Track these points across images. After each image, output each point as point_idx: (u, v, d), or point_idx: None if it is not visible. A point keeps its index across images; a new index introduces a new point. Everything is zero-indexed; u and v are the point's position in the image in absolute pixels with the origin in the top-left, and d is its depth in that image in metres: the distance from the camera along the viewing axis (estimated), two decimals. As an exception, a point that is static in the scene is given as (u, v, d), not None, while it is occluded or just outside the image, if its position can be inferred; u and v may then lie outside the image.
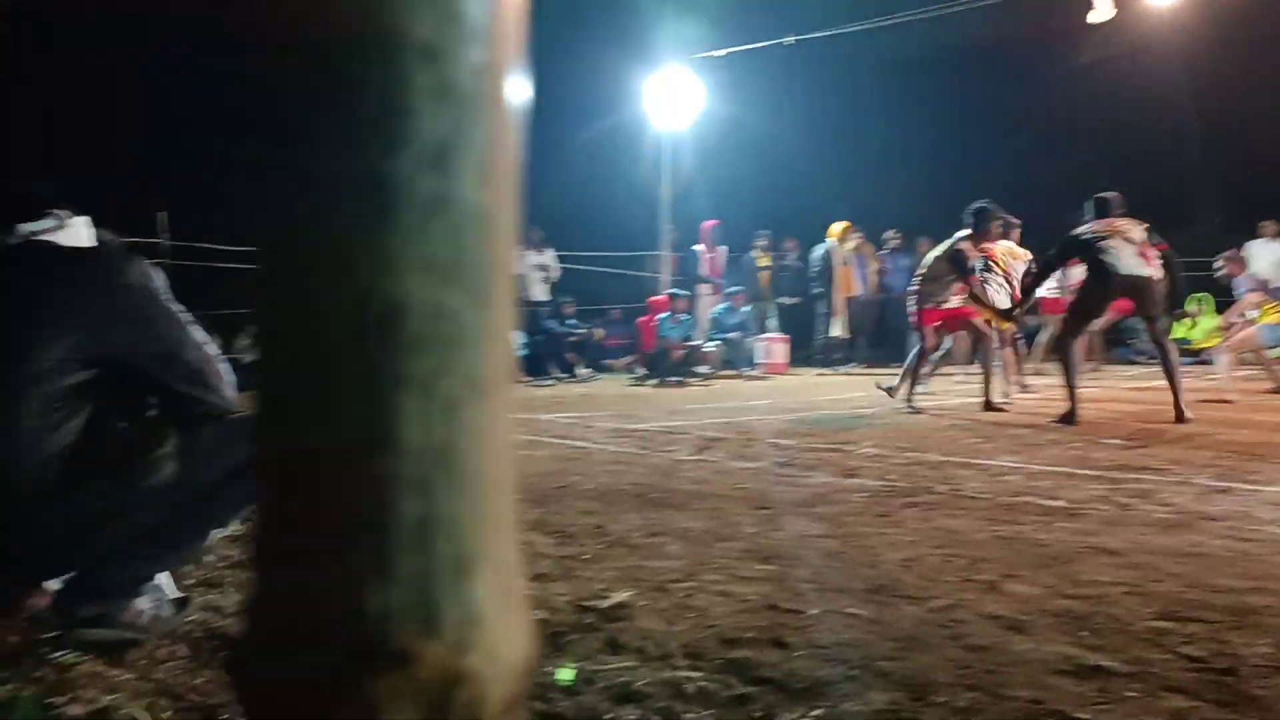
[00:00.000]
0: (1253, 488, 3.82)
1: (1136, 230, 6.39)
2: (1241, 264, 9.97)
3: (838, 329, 13.51)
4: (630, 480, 4.24)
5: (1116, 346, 13.59)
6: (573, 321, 13.13)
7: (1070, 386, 6.42)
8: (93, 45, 14.52)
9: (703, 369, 12.19)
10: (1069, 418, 6.28)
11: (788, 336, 13.98)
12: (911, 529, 3.18)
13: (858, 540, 3.03)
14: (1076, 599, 2.37)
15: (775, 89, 17.84)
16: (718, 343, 13.00)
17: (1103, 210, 6.57)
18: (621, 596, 2.44)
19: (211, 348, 2.24)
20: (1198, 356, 13.85)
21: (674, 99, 15.09)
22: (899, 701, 1.76)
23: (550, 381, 11.71)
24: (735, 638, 2.13)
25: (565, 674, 1.55)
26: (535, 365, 12.10)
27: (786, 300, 14.49)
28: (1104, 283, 6.35)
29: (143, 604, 2.13)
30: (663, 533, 3.17)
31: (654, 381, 11.53)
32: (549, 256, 13.29)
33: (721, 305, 13.46)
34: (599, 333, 14.02)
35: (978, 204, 7.49)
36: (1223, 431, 5.71)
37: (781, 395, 9.50)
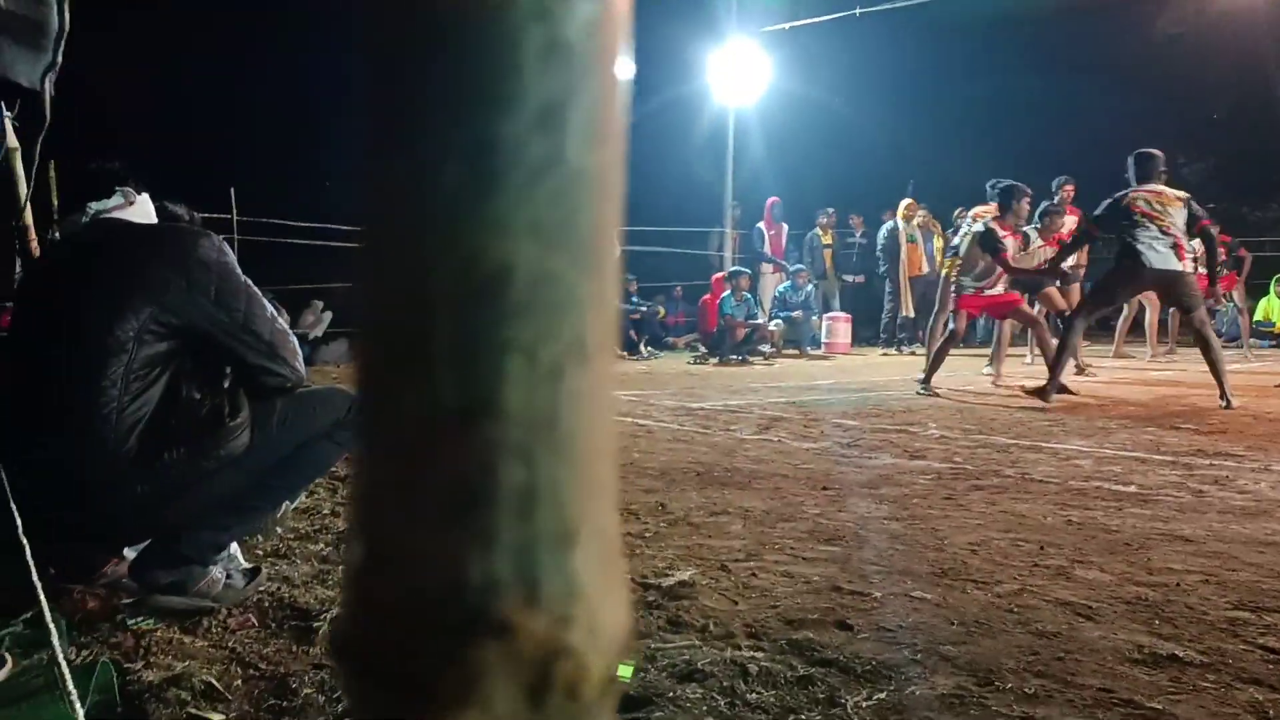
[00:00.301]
0: (1336, 476, 3.70)
1: (1177, 210, 6.14)
2: None
3: (905, 308, 13.35)
4: (692, 459, 4.24)
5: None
6: (635, 299, 13.13)
7: (1056, 364, 6.35)
8: (161, 21, 14.79)
9: (765, 348, 12.13)
10: (1043, 393, 6.25)
11: (850, 315, 13.85)
12: (978, 512, 3.14)
13: (923, 523, 3.00)
14: (1149, 587, 2.32)
15: (843, 63, 17.63)
16: (780, 321, 12.92)
17: (1145, 170, 6.30)
18: (684, 575, 2.44)
19: (281, 321, 2.27)
20: (1278, 340, 13.43)
21: (740, 73, 14.94)
22: (965, 686, 1.74)
23: (611, 359, 11.72)
24: (798, 618, 2.11)
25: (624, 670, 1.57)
26: (596, 343, 12.10)
27: (850, 278, 14.35)
28: (1131, 271, 6.21)
29: (215, 573, 2.18)
30: (725, 512, 3.17)
31: (716, 360, 11.50)
32: (610, 233, 13.27)
33: (785, 283, 13.36)
34: (661, 310, 14.02)
35: (1005, 182, 7.34)
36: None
37: (845, 375, 9.41)
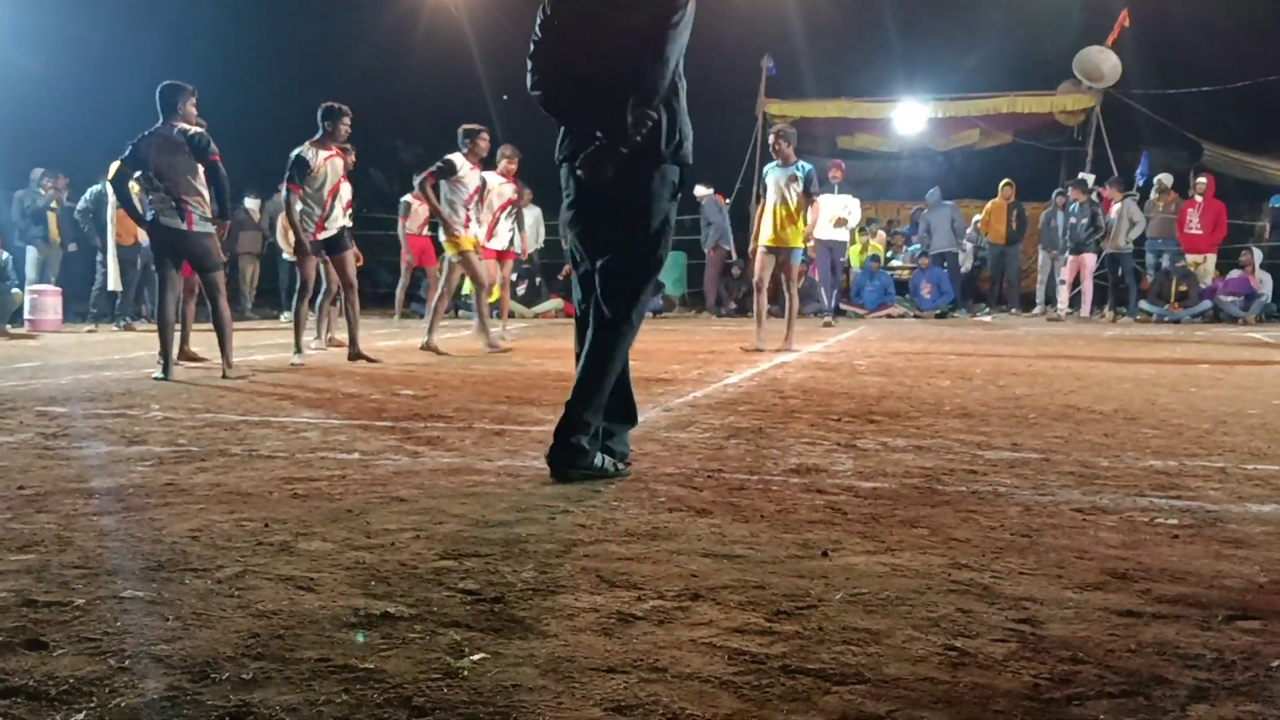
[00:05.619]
0: (523, 429, 4.28)
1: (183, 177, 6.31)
2: None
3: (113, 280, 12.29)
4: None
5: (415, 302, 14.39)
6: None
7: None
8: None
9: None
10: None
11: (62, 289, 12.42)
12: (201, 496, 2.99)
13: (139, 514, 2.76)
14: (367, 549, 2.42)
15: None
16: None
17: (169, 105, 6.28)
18: None
19: None
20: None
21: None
22: (178, 685, 1.62)
23: None
24: (-22, 647, 1.79)
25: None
26: None
27: (73, 247, 12.86)
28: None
29: None
30: (-121, 530, 2.57)
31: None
32: None
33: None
34: None
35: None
36: (502, 379, 6.34)
37: (54, 356, 8.39)
